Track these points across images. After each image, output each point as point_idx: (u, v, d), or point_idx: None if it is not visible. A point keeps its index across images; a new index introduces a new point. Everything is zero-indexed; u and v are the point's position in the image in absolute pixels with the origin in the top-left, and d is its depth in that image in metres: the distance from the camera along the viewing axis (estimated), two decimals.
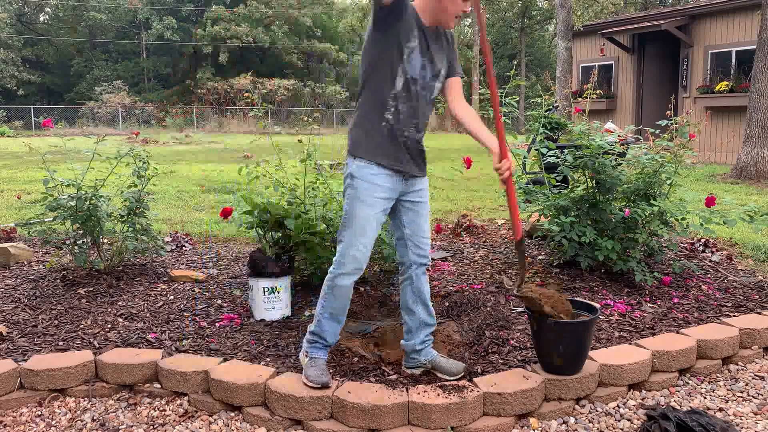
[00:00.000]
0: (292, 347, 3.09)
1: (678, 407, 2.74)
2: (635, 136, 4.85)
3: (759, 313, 3.54)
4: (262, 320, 3.42)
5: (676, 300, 3.72)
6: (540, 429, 2.59)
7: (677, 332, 3.22)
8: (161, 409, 2.74)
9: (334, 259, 2.66)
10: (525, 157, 4.85)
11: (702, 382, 3.01)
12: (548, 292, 2.77)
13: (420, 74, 2.61)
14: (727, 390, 2.94)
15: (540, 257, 4.54)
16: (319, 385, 2.58)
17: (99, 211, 3.97)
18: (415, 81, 2.60)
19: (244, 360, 2.93)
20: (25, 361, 2.90)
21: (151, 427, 2.60)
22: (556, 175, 4.32)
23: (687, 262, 4.24)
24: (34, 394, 2.80)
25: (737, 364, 3.18)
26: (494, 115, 2.66)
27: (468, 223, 5.57)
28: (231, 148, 17.34)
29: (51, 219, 4.15)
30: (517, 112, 4.30)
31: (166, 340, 3.18)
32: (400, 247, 2.77)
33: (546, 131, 4.38)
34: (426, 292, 2.80)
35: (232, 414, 2.69)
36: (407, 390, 2.59)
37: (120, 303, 3.68)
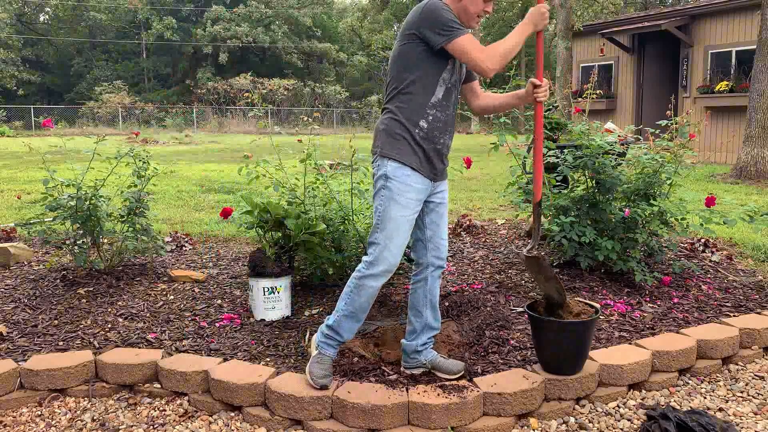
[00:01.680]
0: (292, 347, 3.09)
1: (678, 407, 2.74)
2: (635, 136, 4.85)
3: (759, 313, 3.54)
4: (262, 320, 3.42)
5: (676, 300, 3.72)
6: (540, 429, 2.59)
7: (677, 332, 3.22)
8: (161, 409, 2.74)
9: (364, 258, 2.61)
10: (525, 157, 4.84)
11: (702, 382, 3.01)
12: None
13: (454, 81, 2.63)
14: (727, 390, 2.94)
15: None
16: (318, 387, 2.58)
17: (99, 211, 3.97)
18: (454, 87, 2.63)
19: (244, 360, 2.93)
20: (25, 361, 2.90)
21: (151, 427, 2.60)
22: (556, 175, 4.32)
23: (687, 262, 4.24)
24: (34, 394, 2.80)
25: (737, 364, 3.18)
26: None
27: (468, 223, 5.57)
28: (231, 148, 17.34)
29: (51, 219, 4.14)
30: (517, 112, 4.30)
31: (166, 340, 3.18)
32: (419, 248, 2.76)
33: (546, 131, 4.37)
34: (437, 294, 2.80)
35: (232, 414, 2.69)
36: (407, 390, 2.59)
37: (120, 303, 3.68)
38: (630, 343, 3.08)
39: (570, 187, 4.31)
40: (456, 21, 2.48)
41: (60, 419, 2.67)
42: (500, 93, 4.23)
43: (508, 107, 2.83)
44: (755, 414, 2.71)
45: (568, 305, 2.82)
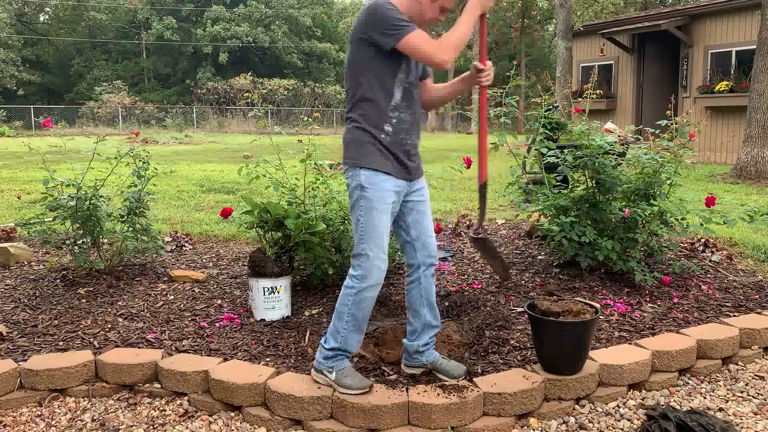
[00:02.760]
0: (292, 347, 3.09)
1: (678, 407, 2.74)
2: (635, 136, 4.85)
3: (759, 313, 3.54)
4: (262, 320, 3.42)
5: (676, 300, 3.72)
6: (540, 429, 2.59)
7: (677, 332, 3.22)
8: (161, 409, 2.74)
9: (353, 273, 2.57)
10: (525, 157, 4.84)
11: (702, 382, 3.01)
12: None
13: (414, 79, 2.61)
14: (727, 390, 2.94)
15: (540, 257, 4.54)
16: (367, 388, 2.55)
17: (99, 211, 3.97)
18: (412, 86, 2.60)
19: (244, 360, 2.93)
20: (25, 361, 2.90)
21: (151, 427, 2.60)
22: (556, 175, 4.32)
23: (687, 262, 4.24)
24: (34, 394, 2.80)
25: (737, 364, 3.19)
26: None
27: (468, 223, 5.56)
28: (231, 148, 17.34)
29: (51, 219, 4.14)
30: (517, 112, 4.30)
31: (166, 340, 3.18)
32: (408, 250, 2.73)
33: (546, 131, 4.37)
34: (432, 293, 2.78)
35: (232, 414, 2.69)
36: (407, 390, 2.60)
37: (120, 303, 3.68)
38: (630, 343, 3.08)
39: (570, 187, 4.31)
40: (403, 18, 2.42)
41: (60, 419, 2.67)
42: (490, 92, 4.26)
43: (456, 93, 2.83)
44: (755, 414, 2.71)
45: (568, 305, 2.82)
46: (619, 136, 4.38)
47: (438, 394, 2.54)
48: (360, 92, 2.53)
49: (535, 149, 4.31)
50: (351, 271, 2.58)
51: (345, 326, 2.59)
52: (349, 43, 2.58)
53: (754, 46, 10.01)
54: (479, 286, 3.90)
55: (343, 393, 2.55)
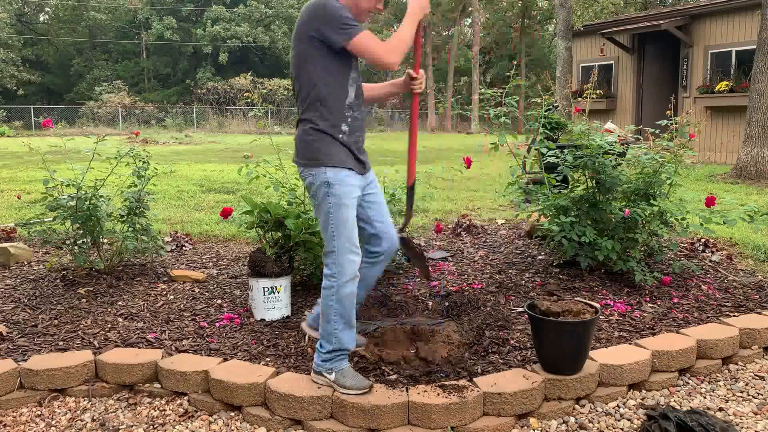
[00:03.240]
0: (292, 347, 3.09)
1: (678, 407, 2.74)
2: (635, 136, 4.85)
3: (759, 313, 3.54)
4: (262, 320, 3.42)
5: (676, 300, 3.72)
6: (540, 429, 2.59)
7: (677, 332, 3.22)
8: (161, 408, 2.74)
9: (328, 272, 2.59)
10: (525, 157, 4.84)
11: (702, 382, 3.01)
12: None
13: (358, 78, 2.66)
14: (727, 390, 2.94)
15: (540, 257, 4.54)
16: (367, 388, 2.55)
17: (99, 211, 3.97)
18: (360, 84, 2.66)
19: (244, 360, 2.93)
20: (25, 360, 2.90)
21: (151, 426, 2.60)
22: (556, 175, 4.32)
23: (687, 262, 4.24)
24: (34, 393, 2.80)
25: (737, 364, 3.19)
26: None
27: (468, 223, 5.57)
28: (231, 148, 17.34)
29: (51, 219, 4.14)
30: (517, 112, 4.30)
31: (166, 339, 3.18)
32: (374, 241, 2.76)
33: (546, 131, 4.37)
34: (376, 277, 2.86)
35: (232, 414, 2.69)
36: (407, 390, 2.60)
37: (120, 303, 3.68)
38: (630, 343, 3.08)
39: (570, 187, 4.31)
40: (351, 18, 2.45)
41: (60, 419, 2.67)
42: (490, 92, 4.27)
43: (389, 96, 2.96)
44: (755, 414, 2.71)
45: (568, 305, 2.82)
46: (619, 135, 4.38)
47: (438, 394, 2.54)
48: (315, 92, 2.54)
49: (535, 149, 4.31)
50: (326, 270, 2.60)
51: (335, 326, 2.61)
52: (296, 41, 2.54)
53: (754, 46, 10.01)
54: (479, 286, 3.91)
55: (343, 393, 2.55)
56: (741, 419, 2.66)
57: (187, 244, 5.11)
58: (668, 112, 4.20)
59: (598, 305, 2.86)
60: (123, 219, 4.19)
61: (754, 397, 2.87)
